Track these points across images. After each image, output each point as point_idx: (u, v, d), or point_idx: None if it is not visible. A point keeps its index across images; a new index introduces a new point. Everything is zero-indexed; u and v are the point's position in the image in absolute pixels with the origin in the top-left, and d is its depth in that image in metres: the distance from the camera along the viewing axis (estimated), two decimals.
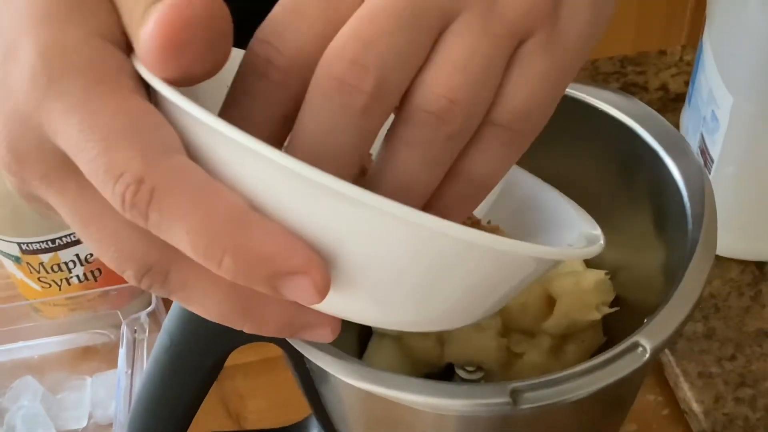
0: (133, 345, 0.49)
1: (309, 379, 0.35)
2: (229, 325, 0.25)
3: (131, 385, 0.47)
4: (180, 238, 0.21)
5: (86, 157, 0.21)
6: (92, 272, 0.54)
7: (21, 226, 0.51)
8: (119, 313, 0.53)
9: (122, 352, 0.48)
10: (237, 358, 0.54)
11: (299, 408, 0.44)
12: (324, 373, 0.32)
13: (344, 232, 0.22)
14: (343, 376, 0.30)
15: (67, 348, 0.53)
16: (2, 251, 0.53)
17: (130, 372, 0.48)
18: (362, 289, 0.24)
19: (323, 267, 0.22)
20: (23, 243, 0.51)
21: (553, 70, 0.24)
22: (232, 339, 0.33)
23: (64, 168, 0.23)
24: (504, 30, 0.23)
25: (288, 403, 0.50)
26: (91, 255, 0.53)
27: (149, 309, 0.50)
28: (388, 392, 0.29)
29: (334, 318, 0.26)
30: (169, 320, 0.33)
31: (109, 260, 0.23)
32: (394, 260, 0.23)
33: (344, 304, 0.24)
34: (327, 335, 0.26)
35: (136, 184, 0.21)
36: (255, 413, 0.52)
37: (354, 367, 0.30)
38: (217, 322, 0.24)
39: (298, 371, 0.35)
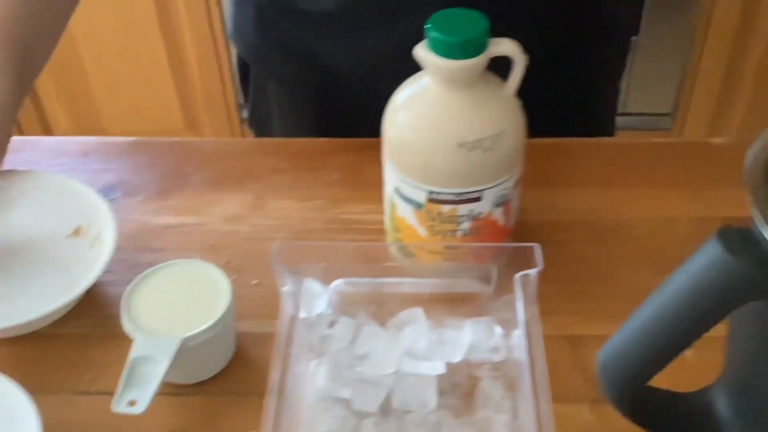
0: (523, 298, 0.55)
1: None
2: None
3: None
4: None
5: None
6: (475, 229, 0.60)
7: (432, 175, 0.57)
8: (495, 269, 0.59)
9: (519, 304, 0.54)
10: (592, 330, 0.59)
11: (696, 378, 0.49)
12: None
13: None
14: None
15: (448, 291, 0.60)
16: (406, 196, 0.60)
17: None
18: None
19: None
20: (434, 191, 0.58)
21: None
22: (745, 293, 0.38)
23: None
24: None
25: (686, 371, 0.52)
26: (482, 213, 0.59)
27: (538, 268, 0.56)
28: None
29: None
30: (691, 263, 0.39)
31: None
32: None
33: None
34: None
35: None
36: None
37: None
38: None
39: None
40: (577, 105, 0.82)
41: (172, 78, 1.73)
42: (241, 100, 1.70)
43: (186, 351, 0.54)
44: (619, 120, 1.80)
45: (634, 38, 1.66)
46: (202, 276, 0.59)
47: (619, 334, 0.43)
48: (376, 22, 0.73)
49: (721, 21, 1.61)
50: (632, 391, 0.44)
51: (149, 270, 0.58)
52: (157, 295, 0.57)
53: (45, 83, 1.76)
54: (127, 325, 0.55)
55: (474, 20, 0.54)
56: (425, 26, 0.54)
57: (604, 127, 0.91)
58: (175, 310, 0.56)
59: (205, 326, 0.55)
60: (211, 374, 0.59)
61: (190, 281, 0.58)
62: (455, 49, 0.53)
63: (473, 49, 0.54)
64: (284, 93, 0.85)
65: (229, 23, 0.84)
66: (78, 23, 1.68)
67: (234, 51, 0.89)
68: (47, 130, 1.81)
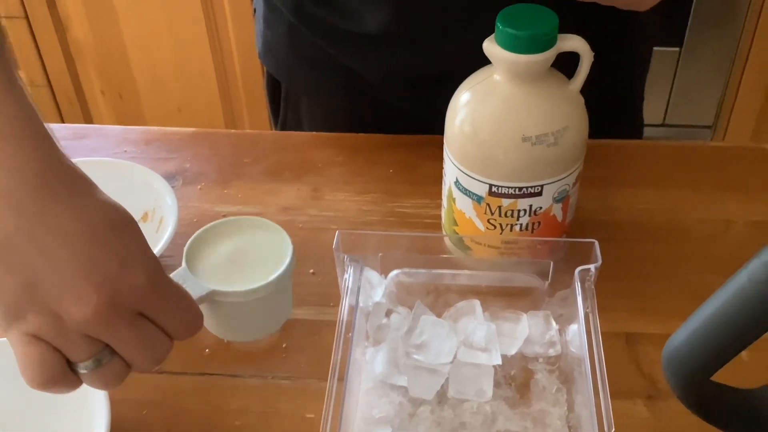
0: (581, 293, 0.56)
1: None
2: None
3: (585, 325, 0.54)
4: None
5: None
6: (533, 224, 0.61)
7: (494, 168, 0.58)
8: (551, 264, 0.60)
9: (579, 299, 0.55)
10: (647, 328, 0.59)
11: (750, 377, 0.48)
12: None
13: None
14: None
15: (504, 284, 0.60)
16: (467, 189, 0.60)
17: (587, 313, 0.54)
18: None
19: None
20: (495, 185, 0.59)
21: None
22: None
23: None
24: None
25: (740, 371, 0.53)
26: (541, 208, 0.60)
27: (597, 264, 0.56)
28: None
29: None
30: (755, 262, 0.39)
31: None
32: None
33: None
34: None
35: None
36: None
37: None
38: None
39: None
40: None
41: (216, 79, 1.76)
42: None
43: (241, 305, 0.57)
44: (660, 131, 1.81)
45: (674, 49, 1.67)
46: (268, 235, 0.60)
47: (685, 328, 0.43)
48: (419, 42, 0.73)
49: (765, 34, 1.61)
50: (697, 384, 0.44)
51: (221, 221, 0.60)
52: (221, 246, 0.59)
53: (91, 79, 1.79)
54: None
55: (543, 16, 0.55)
56: (496, 21, 0.55)
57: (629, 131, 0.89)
58: (235, 264, 0.58)
59: (259, 284, 0.57)
60: (265, 333, 0.61)
61: (256, 238, 0.60)
62: (524, 43, 0.54)
63: (542, 44, 0.54)
64: (316, 107, 0.85)
65: (258, 43, 0.83)
66: (127, 24, 1.72)
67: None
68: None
